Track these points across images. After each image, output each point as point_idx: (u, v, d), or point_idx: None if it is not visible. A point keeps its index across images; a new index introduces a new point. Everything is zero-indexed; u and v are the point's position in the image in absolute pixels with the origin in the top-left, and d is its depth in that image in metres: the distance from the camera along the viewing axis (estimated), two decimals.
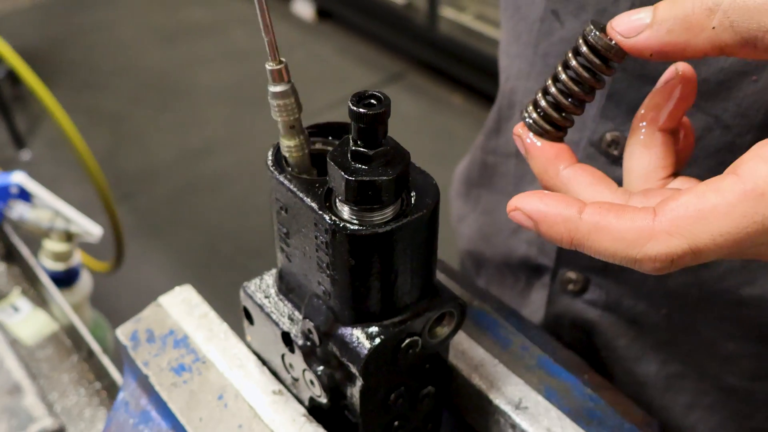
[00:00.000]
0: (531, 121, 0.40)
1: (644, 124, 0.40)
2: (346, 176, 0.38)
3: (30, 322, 0.78)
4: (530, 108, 0.40)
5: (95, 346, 0.73)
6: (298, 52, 2.95)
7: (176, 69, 2.93)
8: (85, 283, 1.02)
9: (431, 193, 0.41)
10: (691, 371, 0.59)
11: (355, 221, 0.39)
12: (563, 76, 0.38)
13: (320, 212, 0.40)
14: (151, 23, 3.18)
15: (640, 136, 0.40)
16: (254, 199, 2.31)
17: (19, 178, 0.84)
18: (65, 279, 0.98)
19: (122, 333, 0.53)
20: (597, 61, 0.37)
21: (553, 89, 0.39)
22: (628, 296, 0.58)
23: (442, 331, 0.44)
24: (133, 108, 2.77)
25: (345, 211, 0.40)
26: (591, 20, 0.37)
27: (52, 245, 0.92)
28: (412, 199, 0.41)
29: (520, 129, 0.40)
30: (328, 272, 0.41)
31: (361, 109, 0.38)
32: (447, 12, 2.41)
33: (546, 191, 0.38)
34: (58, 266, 0.95)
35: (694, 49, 0.34)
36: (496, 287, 0.72)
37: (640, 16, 0.35)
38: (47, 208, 0.85)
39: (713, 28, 0.33)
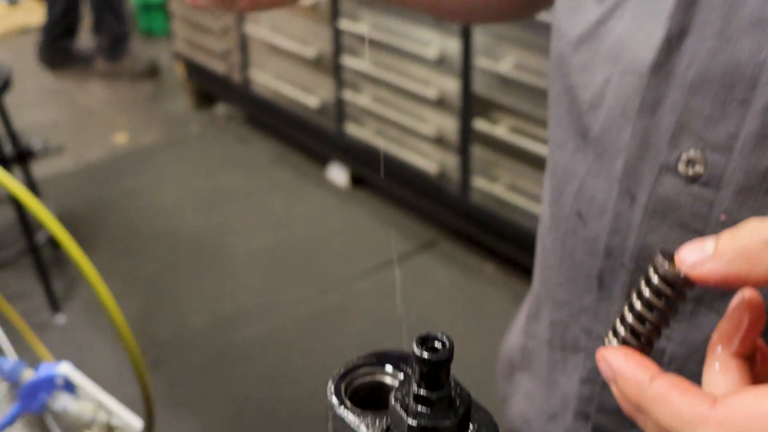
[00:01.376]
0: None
1: (719, 350, 0.40)
2: (408, 421, 0.38)
3: None
4: (610, 334, 0.41)
5: None
6: (332, 218, 3.01)
7: (213, 234, 2.99)
8: None
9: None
10: None
11: None
12: (637, 306, 0.40)
13: None
14: (190, 188, 3.28)
15: (715, 363, 0.40)
16: (285, 368, 2.30)
17: (65, 369, 0.85)
18: None
19: None
20: (671, 291, 0.39)
21: (629, 317, 0.40)
22: None
23: None
24: (169, 273, 2.81)
25: None
26: (660, 249, 0.39)
27: None
28: None
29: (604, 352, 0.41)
30: None
31: (425, 354, 0.38)
32: (479, 182, 2.46)
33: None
34: None
35: (756, 278, 0.35)
36: None
37: (705, 247, 0.36)
38: (91, 399, 0.85)
39: None
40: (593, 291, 0.58)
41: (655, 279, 0.39)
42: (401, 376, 0.43)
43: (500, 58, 2.27)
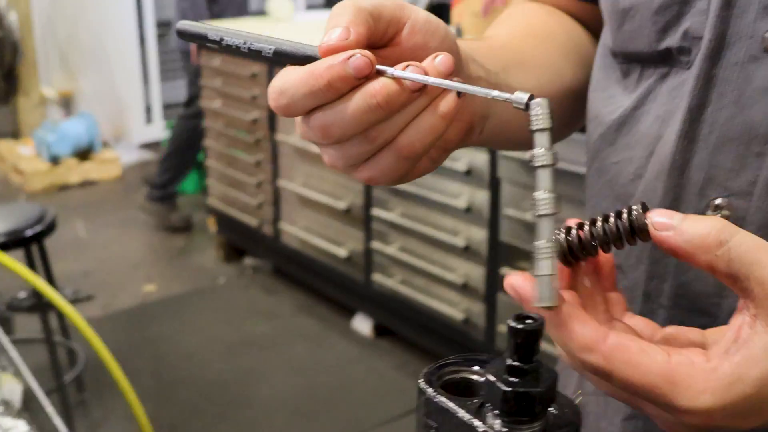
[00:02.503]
0: (560, 238, 0.49)
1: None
2: (503, 387, 0.42)
3: None
4: (562, 230, 0.49)
5: None
6: (356, 367, 3.02)
7: (236, 380, 3.00)
8: None
9: (573, 412, 0.45)
10: None
11: None
12: (598, 224, 0.48)
13: (471, 422, 0.43)
14: (215, 336, 3.32)
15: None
16: None
17: None
18: None
19: None
20: (629, 230, 0.47)
21: (585, 228, 0.48)
22: None
23: None
24: (193, 418, 2.80)
25: (497, 424, 0.43)
26: (641, 202, 0.47)
27: None
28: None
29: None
30: None
31: (519, 326, 0.43)
32: (505, 329, 2.49)
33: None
34: None
35: (696, 261, 0.45)
36: None
37: (673, 219, 0.45)
38: None
39: (716, 255, 0.44)
40: None
41: (624, 216, 0.47)
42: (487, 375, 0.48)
43: (527, 207, 2.37)
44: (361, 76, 0.49)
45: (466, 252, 2.61)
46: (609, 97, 0.68)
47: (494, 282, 2.52)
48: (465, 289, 2.65)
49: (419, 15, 0.53)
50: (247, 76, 3.43)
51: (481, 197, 2.52)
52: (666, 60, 0.62)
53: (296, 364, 3.09)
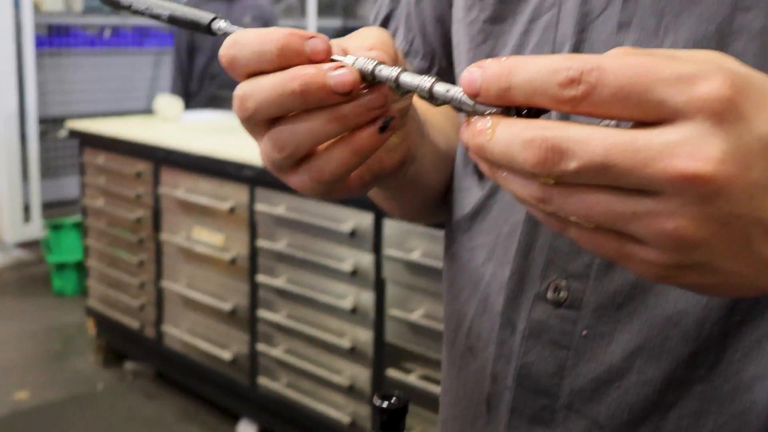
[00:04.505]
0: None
1: None
2: None
3: None
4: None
5: None
6: None
7: None
8: None
9: None
10: None
11: None
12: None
13: None
14: None
15: None
16: None
17: None
18: None
19: None
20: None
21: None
22: None
23: None
24: None
25: None
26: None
27: None
28: None
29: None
30: None
31: (383, 405, 0.43)
32: None
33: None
34: None
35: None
36: None
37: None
38: None
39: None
40: (482, 415, 0.65)
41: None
42: None
43: (412, 308, 2.39)
44: (315, 60, 0.47)
45: (353, 353, 2.60)
46: (465, 189, 0.71)
47: (380, 384, 2.50)
48: (351, 391, 2.61)
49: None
50: (131, 175, 3.38)
51: (367, 298, 2.53)
52: None
53: None
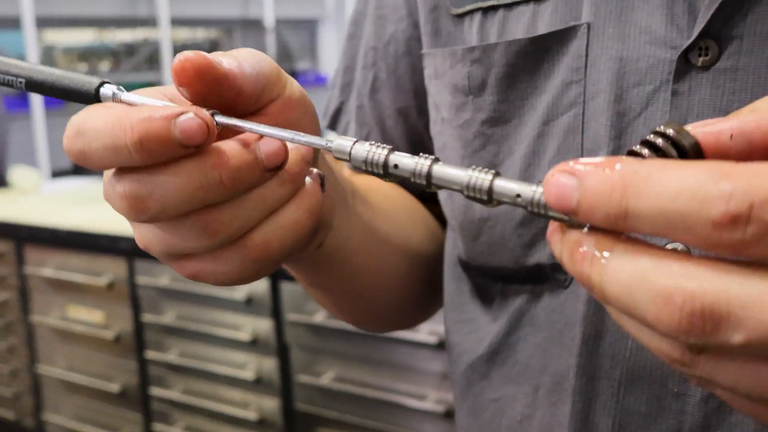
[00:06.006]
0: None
1: None
2: None
3: None
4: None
5: None
6: None
7: None
8: None
9: None
10: None
11: None
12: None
13: None
14: None
15: None
16: None
17: None
18: None
19: None
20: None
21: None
22: None
23: None
24: None
25: None
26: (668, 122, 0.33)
27: None
28: None
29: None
30: None
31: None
32: None
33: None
34: None
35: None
36: None
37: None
38: None
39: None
40: None
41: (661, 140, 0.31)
42: None
43: (320, 372, 2.29)
44: (191, 145, 0.34)
45: (261, 425, 2.47)
46: (469, 321, 0.59)
47: None
48: None
49: (296, 87, 0.42)
50: None
51: (270, 365, 2.41)
52: (536, 277, 0.53)
53: None
